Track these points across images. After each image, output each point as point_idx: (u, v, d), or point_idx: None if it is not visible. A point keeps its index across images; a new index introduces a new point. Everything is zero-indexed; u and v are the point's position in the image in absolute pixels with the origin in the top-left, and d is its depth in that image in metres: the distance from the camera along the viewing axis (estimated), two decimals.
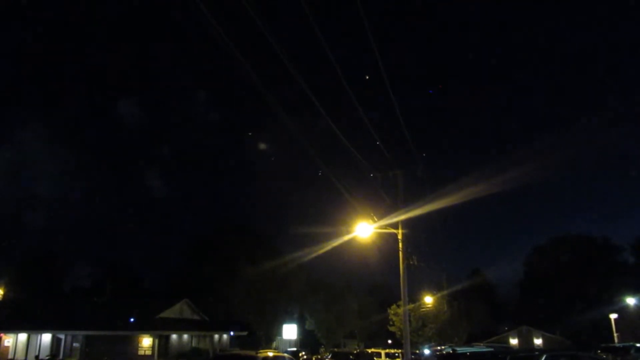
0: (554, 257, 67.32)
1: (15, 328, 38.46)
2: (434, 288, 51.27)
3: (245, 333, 52.57)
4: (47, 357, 34.41)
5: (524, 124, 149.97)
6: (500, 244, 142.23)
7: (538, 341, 60.29)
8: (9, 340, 40.21)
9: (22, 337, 39.00)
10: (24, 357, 37.21)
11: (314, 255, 41.70)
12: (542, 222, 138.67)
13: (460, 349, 21.33)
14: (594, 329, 54.93)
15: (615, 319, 47.34)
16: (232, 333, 51.75)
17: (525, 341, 60.08)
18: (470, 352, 17.34)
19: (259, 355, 15.89)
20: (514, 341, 60.76)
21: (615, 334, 46.78)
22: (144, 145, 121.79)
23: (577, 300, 61.35)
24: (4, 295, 55.85)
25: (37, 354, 36.34)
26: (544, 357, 11.47)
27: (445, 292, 51.01)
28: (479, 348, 25.86)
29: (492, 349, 24.15)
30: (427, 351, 42.84)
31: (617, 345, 39.18)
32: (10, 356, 36.46)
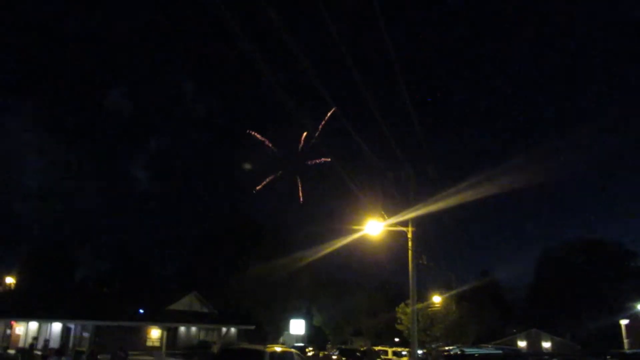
0: (566, 261, 66.80)
1: (26, 316, 38.95)
2: (443, 288, 51.07)
3: (252, 327, 52.74)
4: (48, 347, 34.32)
5: (538, 125, 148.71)
6: (510, 246, 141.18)
7: (547, 345, 59.82)
8: (20, 328, 40.72)
9: (33, 325, 39.48)
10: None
11: (323, 252, 41.76)
12: (553, 224, 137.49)
13: (468, 350, 21.13)
14: (604, 335, 54.41)
15: (626, 325, 46.84)
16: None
17: (534, 344, 59.63)
18: (478, 354, 17.17)
19: (266, 349, 15.89)
20: (522, 344, 60.33)
21: (625, 340, 46.29)
22: (153, 138, 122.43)
23: (587, 305, 60.78)
24: (16, 284, 56.65)
25: (47, 338, 36.75)
26: None
27: (454, 292, 50.77)
28: (487, 350, 25.64)
29: (500, 351, 23.94)
30: (420, 352, 42.29)
31: (627, 351, 38.74)
32: (21, 344, 36.91)
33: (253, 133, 43.54)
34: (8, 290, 54.97)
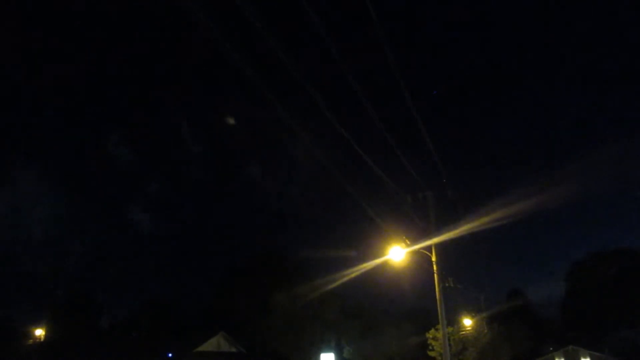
0: (597, 272, 65.20)
1: None
2: (473, 310, 49.97)
3: None
4: None
5: (558, 139, 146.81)
6: (537, 260, 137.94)
7: None
8: None
9: None
10: None
11: (346, 279, 41.51)
12: (578, 236, 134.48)
13: None
14: None
15: None
16: None
17: None
18: None
19: None
20: None
21: None
22: (158, 180, 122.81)
23: (625, 316, 58.95)
24: (45, 335, 56.95)
25: None
26: None
27: (484, 315, 49.63)
28: None
29: None
30: None
31: None
32: None
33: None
34: (38, 342, 55.23)
